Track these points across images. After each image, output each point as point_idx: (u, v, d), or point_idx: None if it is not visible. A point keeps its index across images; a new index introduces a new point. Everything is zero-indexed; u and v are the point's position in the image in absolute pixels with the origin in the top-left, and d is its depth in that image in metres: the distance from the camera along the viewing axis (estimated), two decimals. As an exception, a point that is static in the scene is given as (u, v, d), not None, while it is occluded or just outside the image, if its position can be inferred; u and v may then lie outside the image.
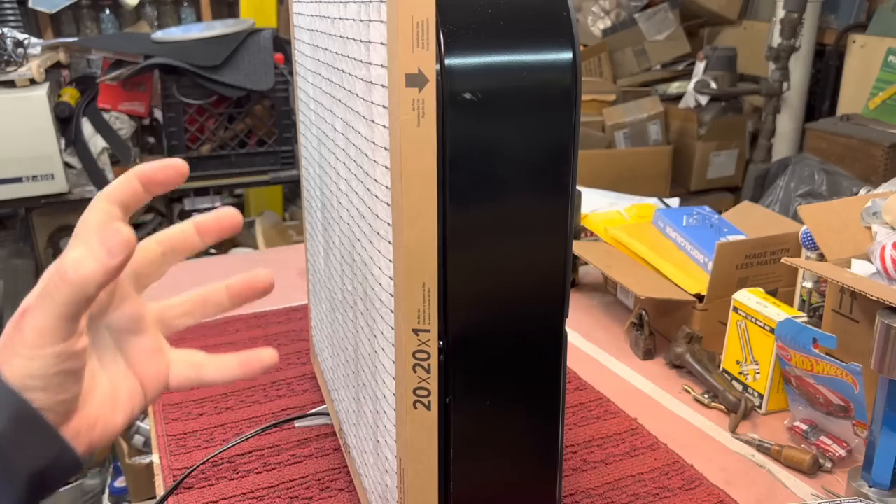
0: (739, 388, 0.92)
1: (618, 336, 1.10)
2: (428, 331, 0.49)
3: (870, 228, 0.89)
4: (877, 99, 2.33)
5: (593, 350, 1.06)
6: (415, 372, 0.49)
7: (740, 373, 0.92)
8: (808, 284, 0.93)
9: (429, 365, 0.49)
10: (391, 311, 0.51)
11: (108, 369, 0.46)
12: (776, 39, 2.57)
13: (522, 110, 0.48)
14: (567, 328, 0.54)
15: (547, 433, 0.56)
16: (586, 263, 1.18)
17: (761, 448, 0.83)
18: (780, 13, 2.53)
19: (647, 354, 1.03)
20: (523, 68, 0.47)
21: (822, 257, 0.90)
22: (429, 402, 0.50)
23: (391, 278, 0.50)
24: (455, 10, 0.46)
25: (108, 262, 0.38)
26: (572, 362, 1.02)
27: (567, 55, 0.48)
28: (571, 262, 0.53)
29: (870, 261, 0.84)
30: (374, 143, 0.51)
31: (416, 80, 0.44)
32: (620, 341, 1.09)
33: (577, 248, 1.12)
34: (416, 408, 0.50)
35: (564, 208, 0.51)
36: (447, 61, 0.45)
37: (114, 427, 0.45)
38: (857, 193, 0.99)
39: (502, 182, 0.49)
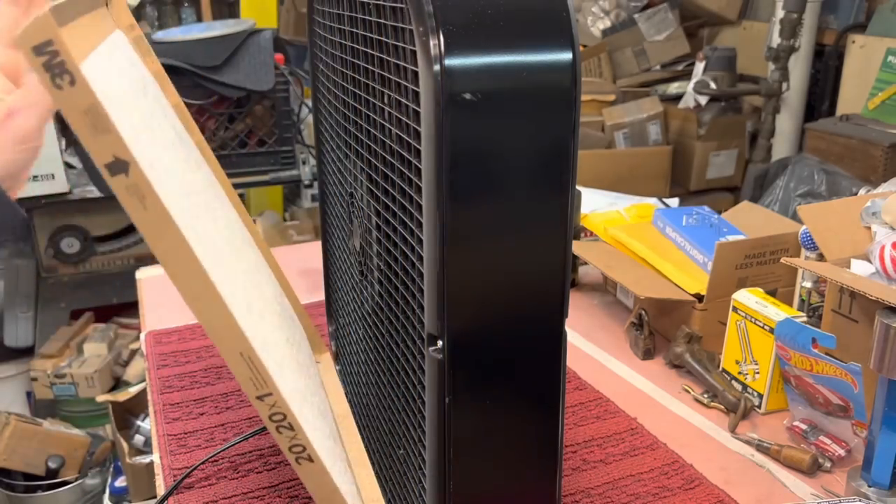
0: (739, 387, 0.92)
1: (618, 336, 1.10)
2: (270, 394, 0.48)
3: (869, 228, 0.89)
4: (876, 99, 2.33)
5: (593, 350, 1.07)
6: (280, 433, 0.49)
7: (740, 372, 0.92)
8: (808, 284, 0.93)
9: (289, 423, 0.49)
10: None
11: None
12: (776, 39, 2.57)
13: (522, 110, 0.48)
14: (567, 328, 0.54)
15: (547, 433, 0.56)
16: (586, 263, 1.19)
17: (761, 448, 0.84)
18: (780, 13, 2.53)
19: (647, 354, 1.03)
20: (523, 68, 0.47)
21: (821, 257, 0.90)
22: (308, 454, 0.50)
23: None
24: (455, 11, 0.46)
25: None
26: (572, 362, 1.02)
27: (567, 55, 0.48)
28: (571, 262, 0.53)
29: (869, 261, 0.84)
30: None
31: (118, 168, 0.40)
32: (620, 341, 1.09)
33: (577, 248, 1.13)
34: (300, 463, 0.50)
35: (564, 208, 0.51)
36: (447, 61, 0.45)
37: None
38: (856, 193, 0.99)
39: (502, 182, 0.49)
